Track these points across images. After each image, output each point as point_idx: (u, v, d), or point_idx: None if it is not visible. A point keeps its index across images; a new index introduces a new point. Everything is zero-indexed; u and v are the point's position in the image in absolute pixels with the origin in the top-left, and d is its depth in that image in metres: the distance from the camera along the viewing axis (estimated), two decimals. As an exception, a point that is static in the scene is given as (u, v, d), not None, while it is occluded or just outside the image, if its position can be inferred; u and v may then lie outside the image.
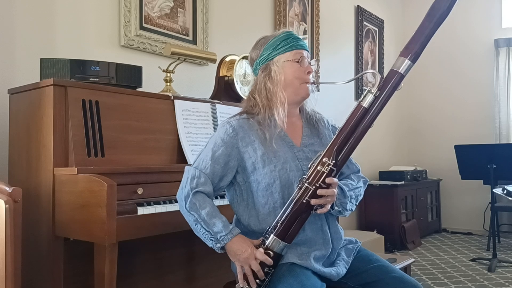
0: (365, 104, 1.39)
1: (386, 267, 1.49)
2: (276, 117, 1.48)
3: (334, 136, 1.41)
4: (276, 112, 1.48)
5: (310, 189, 1.37)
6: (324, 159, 1.38)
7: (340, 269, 1.47)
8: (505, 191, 3.18)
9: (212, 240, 1.40)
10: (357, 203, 1.56)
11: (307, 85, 1.53)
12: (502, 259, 3.97)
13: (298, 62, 1.51)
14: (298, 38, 1.55)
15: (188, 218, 1.45)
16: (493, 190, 3.69)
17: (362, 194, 1.59)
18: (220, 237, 1.39)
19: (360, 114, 1.39)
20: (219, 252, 1.43)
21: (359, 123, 1.40)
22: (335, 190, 1.41)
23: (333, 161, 1.38)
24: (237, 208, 1.54)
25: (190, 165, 1.56)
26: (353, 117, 1.40)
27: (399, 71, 1.39)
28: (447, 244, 4.78)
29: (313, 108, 1.62)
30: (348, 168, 1.59)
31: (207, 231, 1.40)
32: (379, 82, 1.40)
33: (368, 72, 1.38)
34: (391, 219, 4.57)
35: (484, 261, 3.93)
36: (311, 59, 1.56)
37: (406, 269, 2.38)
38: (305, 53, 1.54)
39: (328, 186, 1.38)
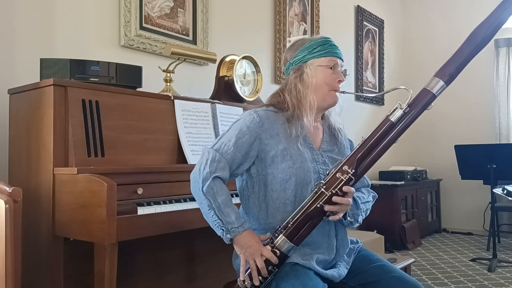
0: (393, 118, 1.39)
1: (387, 266, 1.50)
2: (304, 119, 1.48)
3: (358, 146, 1.41)
4: (305, 114, 1.48)
5: (326, 194, 1.37)
6: (344, 167, 1.38)
7: (341, 270, 1.48)
8: (505, 191, 3.19)
9: (223, 229, 1.39)
10: (365, 217, 1.57)
11: (336, 93, 1.53)
12: (502, 259, 3.97)
13: (331, 68, 1.51)
14: (335, 46, 1.56)
15: (201, 201, 1.43)
16: (493, 190, 3.70)
17: (370, 209, 1.60)
18: (232, 228, 1.39)
19: (387, 128, 1.40)
20: (227, 242, 1.42)
21: (384, 137, 1.40)
22: (350, 200, 1.41)
23: (353, 170, 1.38)
24: (247, 201, 1.53)
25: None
26: (379, 129, 1.40)
27: (432, 91, 1.39)
28: (447, 244, 4.78)
29: (335, 119, 1.63)
30: (359, 181, 1.59)
31: (220, 220, 1.39)
32: (410, 99, 1.40)
33: (400, 88, 1.38)
34: (391, 219, 4.56)
35: (484, 261, 3.93)
36: (344, 69, 1.56)
37: (406, 269, 2.38)
38: (339, 61, 1.54)
39: (344, 194, 1.38)
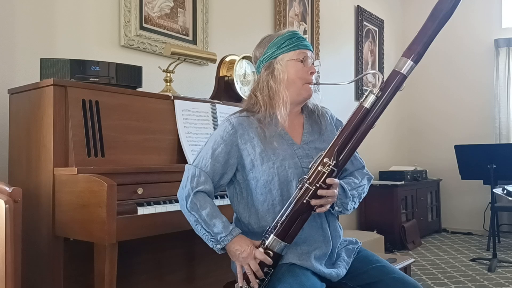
0: (367, 104, 1.39)
1: (387, 267, 1.49)
2: (278, 115, 1.48)
3: (335, 137, 1.41)
4: (278, 111, 1.48)
5: (311, 189, 1.37)
6: (325, 160, 1.38)
7: (340, 270, 1.47)
8: (505, 191, 3.18)
9: (213, 241, 1.41)
10: (360, 201, 1.55)
11: (310, 85, 1.52)
12: (502, 259, 3.97)
13: (301, 61, 1.50)
14: (303, 38, 1.55)
15: (189, 218, 1.45)
16: (493, 190, 3.69)
17: (366, 191, 1.58)
18: (220, 238, 1.40)
19: (362, 115, 1.39)
20: (219, 252, 1.43)
21: (360, 124, 1.39)
22: (336, 191, 1.41)
23: (334, 162, 1.37)
24: (237, 207, 1.54)
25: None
26: (355, 117, 1.39)
27: (401, 71, 1.38)
28: (447, 244, 4.78)
29: (315, 103, 1.61)
30: (352, 164, 1.57)
31: (208, 232, 1.41)
32: (381, 83, 1.40)
33: (370, 73, 1.36)
34: (391, 219, 4.56)
35: (484, 261, 3.93)
36: (315, 60, 1.55)
37: (406, 269, 2.39)
38: (309, 53, 1.53)
39: (329, 186, 1.38)
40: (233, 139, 1.47)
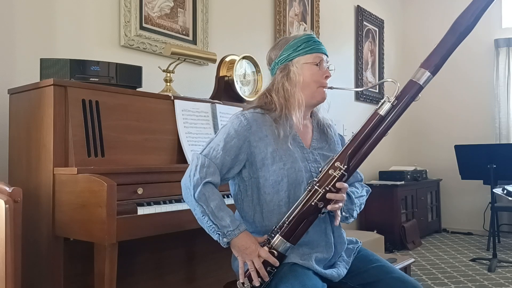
0: (382, 112, 1.39)
1: (387, 267, 1.50)
2: (293, 117, 1.48)
3: (348, 141, 1.42)
4: (293, 113, 1.48)
5: (320, 192, 1.37)
6: (336, 163, 1.38)
7: (340, 270, 1.48)
8: (505, 191, 3.18)
9: (219, 234, 1.40)
10: (359, 211, 1.58)
11: (324, 89, 1.53)
12: (502, 259, 3.97)
13: (317, 65, 1.51)
14: (319, 42, 1.56)
15: (194, 208, 1.43)
16: (493, 190, 3.69)
17: (364, 203, 1.60)
18: (227, 232, 1.39)
19: (376, 122, 1.40)
20: (224, 246, 1.42)
21: (374, 130, 1.40)
22: (344, 196, 1.41)
23: (345, 166, 1.38)
24: (241, 205, 1.53)
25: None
26: (369, 124, 1.40)
27: (419, 82, 1.39)
28: (447, 244, 4.78)
29: (324, 115, 1.63)
30: (352, 176, 1.59)
31: (214, 224, 1.40)
32: (397, 91, 1.40)
33: (387, 81, 1.36)
34: (391, 219, 4.56)
35: (484, 261, 3.94)
36: (329, 64, 1.56)
37: (406, 269, 2.39)
38: (324, 57, 1.54)
39: (338, 190, 1.38)
40: (246, 134, 1.46)
